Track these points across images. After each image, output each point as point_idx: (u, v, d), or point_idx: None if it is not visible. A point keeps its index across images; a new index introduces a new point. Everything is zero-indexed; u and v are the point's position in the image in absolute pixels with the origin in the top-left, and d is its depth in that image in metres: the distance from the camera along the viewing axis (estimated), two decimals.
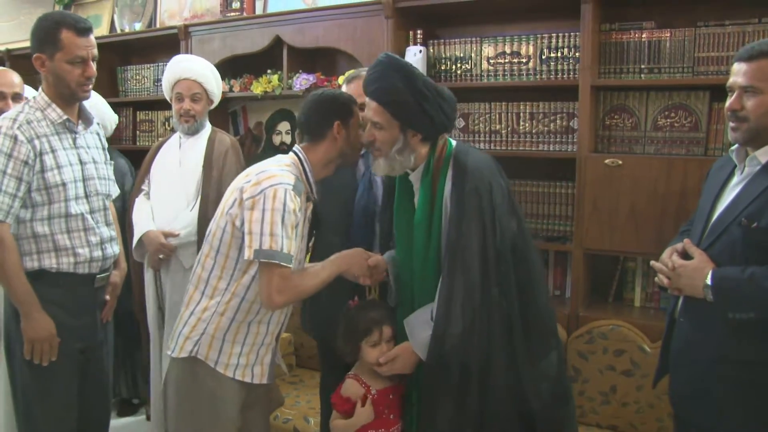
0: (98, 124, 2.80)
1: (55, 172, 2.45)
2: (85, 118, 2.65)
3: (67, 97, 2.51)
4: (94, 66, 2.50)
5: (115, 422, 3.75)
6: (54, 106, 2.50)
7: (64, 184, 2.46)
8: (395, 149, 2.21)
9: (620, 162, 2.96)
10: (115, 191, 2.82)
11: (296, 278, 2.18)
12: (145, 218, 3.24)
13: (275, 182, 2.13)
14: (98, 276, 2.62)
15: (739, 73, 1.97)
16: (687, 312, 2.09)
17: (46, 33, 2.42)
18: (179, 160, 3.28)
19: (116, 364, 3.75)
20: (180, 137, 3.33)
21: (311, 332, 2.87)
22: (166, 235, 3.16)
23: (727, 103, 2.00)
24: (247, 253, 2.10)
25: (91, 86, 2.53)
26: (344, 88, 2.77)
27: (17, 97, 2.93)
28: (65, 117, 2.51)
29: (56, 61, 2.44)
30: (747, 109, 1.94)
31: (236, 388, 2.28)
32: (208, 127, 3.34)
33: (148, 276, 3.31)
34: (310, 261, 2.56)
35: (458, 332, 2.10)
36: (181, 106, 3.23)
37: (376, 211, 2.60)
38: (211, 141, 3.30)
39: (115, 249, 2.70)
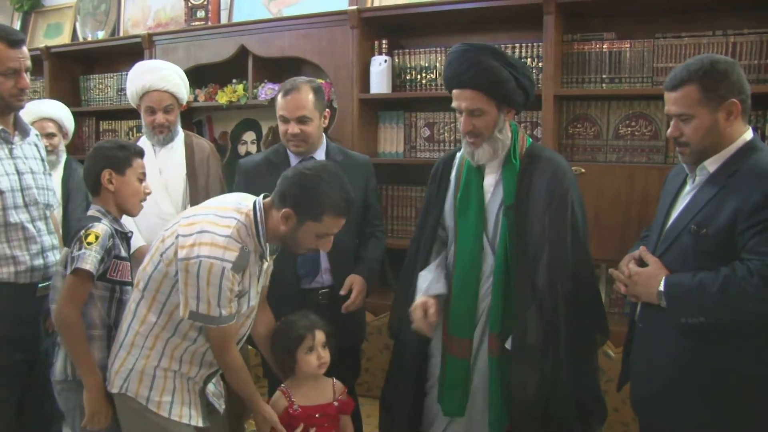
0: (37, 135, 2.78)
1: None
2: (22, 129, 2.64)
3: (2, 108, 2.50)
4: (27, 77, 2.51)
5: None
6: None
7: (1, 193, 2.46)
8: (497, 129, 2.27)
9: (583, 170, 3.01)
10: (55, 202, 2.81)
11: (243, 367, 2.19)
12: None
13: (213, 255, 1.98)
14: (40, 285, 2.58)
15: (669, 101, 2.03)
16: (645, 318, 2.13)
17: None
18: (159, 169, 3.14)
19: None
20: (153, 145, 3.20)
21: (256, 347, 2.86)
22: None
23: (669, 131, 2.07)
24: (182, 312, 2.04)
25: (25, 97, 2.54)
26: (279, 100, 2.72)
27: None
28: (0, 127, 2.51)
29: None
30: (686, 135, 2.01)
31: (181, 425, 2.16)
32: (180, 132, 3.25)
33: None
34: None
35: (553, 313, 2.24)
36: (154, 119, 3.11)
37: None
38: (189, 147, 3.21)
39: (57, 257, 2.64)
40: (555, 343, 2.24)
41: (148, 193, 2.44)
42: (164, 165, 3.17)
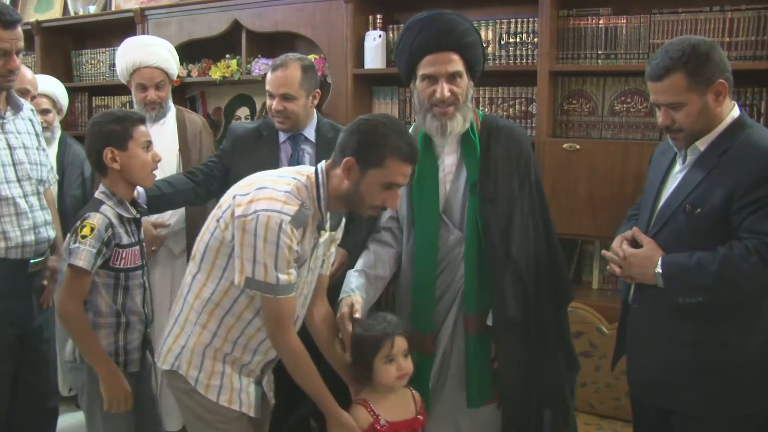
0: (32, 110, 2.78)
1: None
2: (14, 105, 2.63)
3: None
4: (18, 59, 2.49)
5: (75, 414, 3.70)
6: None
7: None
8: (469, 97, 2.25)
9: (578, 146, 3.00)
10: (52, 178, 2.82)
11: (304, 354, 1.98)
12: None
13: (271, 208, 1.86)
14: (32, 261, 2.59)
15: (655, 92, 2.01)
16: (639, 298, 2.13)
17: None
18: None
19: None
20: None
21: None
22: (156, 225, 3.05)
23: (659, 120, 2.04)
24: (237, 278, 1.89)
25: (14, 78, 2.53)
26: (268, 74, 2.73)
27: None
28: None
29: None
30: (678, 122, 1.99)
31: (231, 411, 2.02)
32: (172, 108, 3.24)
33: None
34: None
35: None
36: (146, 95, 3.09)
37: None
38: (181, 122, 3.20)
39: (50, 233, 2.66)
40: (537, 317, 2.24)
41: (158, 161, 2.35)
42: (156, 141, 3.09)
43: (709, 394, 1.99)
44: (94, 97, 4.57)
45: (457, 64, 2.20)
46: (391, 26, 3.50)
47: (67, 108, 3.73)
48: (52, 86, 3.55)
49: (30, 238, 2.55)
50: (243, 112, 4.18)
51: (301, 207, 1.88)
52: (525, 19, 3.17)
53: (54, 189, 3.10)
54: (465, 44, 2.20)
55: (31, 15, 4.93)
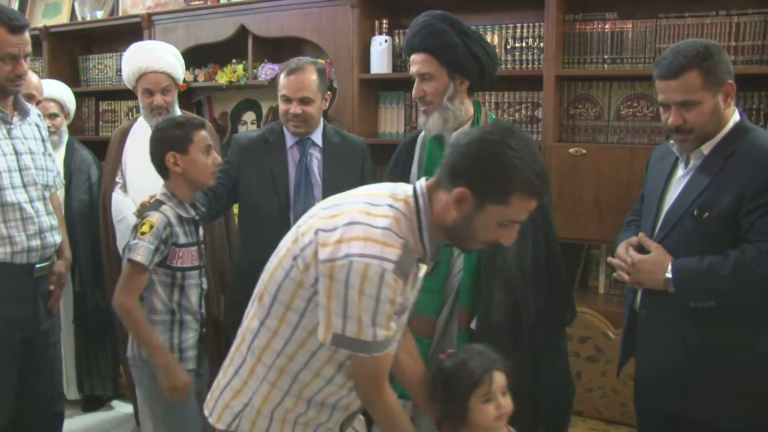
0: (39, 115, 2.79)
1: None
2: (21, 110, 2.64)
3: None
4: (26, 63, 2.50)
5: (82, 418, 3.72)
6: None
7: None
8: (447, 97, 2.27)
9: (584, 151, 3.00)
10: (59, 183, 2.84)
11: (400, 411, 1.67)
12: (132, 215, 3.05)
13: (368, 253, 1.48)
14: (38, 266, 2.60)
15: (667, 90, 1.99)
16: (647, 304, 2.12)
17: None
18: None
19: (81, 359, 3.72)
20: (151, 126, 3.10)
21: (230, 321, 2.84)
22: None
23: (670, 119, 2.00)
24: (323, 335, 1.54)
25: (22, 82, 2.54)
26: (282, 79, 2.70)
27: None
28: None
29: None
30: (690, 122, 1.97)
31: None
32: (178, 112, 3.20)
33: None
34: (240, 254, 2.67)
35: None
36: (152, 100, 3.07)
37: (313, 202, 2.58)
38: None
39: (56, 238, 2.67)
40: (532, 326, 2.22)
41: (219, 164, 2.42)
42: None
43: (716, 397, 1.98)
44: (101, 102, 4.58)
45: (426, 65, 2.27)
46: (397, 31, 3.50)
47: (74, 113, 3.74)
48: (60, 90, 3.57)
49: (36, 243, 2.56)
50: (249, 116, 4.19)
51: (404, 248, 1.52)
52: (531, 24, 3.18)
53: (61, 194, 3.10)
54: (437, 46, 2.24)
55: (39, 20, 4.96)
